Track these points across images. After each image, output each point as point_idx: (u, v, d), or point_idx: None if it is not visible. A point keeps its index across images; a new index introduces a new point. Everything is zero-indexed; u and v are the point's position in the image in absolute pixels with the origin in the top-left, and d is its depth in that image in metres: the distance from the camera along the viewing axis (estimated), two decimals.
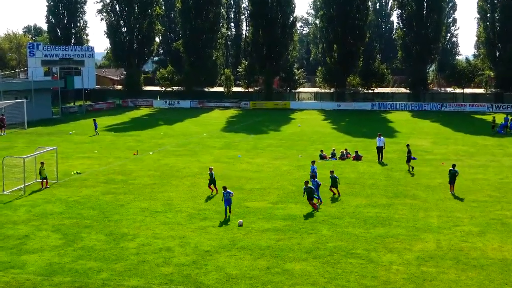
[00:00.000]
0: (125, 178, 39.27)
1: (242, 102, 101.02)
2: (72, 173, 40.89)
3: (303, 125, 72.57)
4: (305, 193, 30.91)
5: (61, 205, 31.75)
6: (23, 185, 34.89)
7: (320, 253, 23.90)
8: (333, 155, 46.83)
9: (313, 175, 35.17)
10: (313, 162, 37.63)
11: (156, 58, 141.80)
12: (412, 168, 41.64)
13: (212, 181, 34.65)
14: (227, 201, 29.38)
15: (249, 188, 36.05)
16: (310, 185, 31.13)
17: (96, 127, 64.02)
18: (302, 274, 21.69)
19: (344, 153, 47.06)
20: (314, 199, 31.33)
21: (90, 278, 21.28)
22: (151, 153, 50.05)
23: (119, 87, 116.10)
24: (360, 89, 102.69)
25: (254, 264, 22.73)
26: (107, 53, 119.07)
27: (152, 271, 21.96)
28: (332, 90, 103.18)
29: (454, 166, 34.62)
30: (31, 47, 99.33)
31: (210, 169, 35.02)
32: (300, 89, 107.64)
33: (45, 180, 36.02)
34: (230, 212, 29.43)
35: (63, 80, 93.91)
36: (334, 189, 33.90)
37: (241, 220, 28.13)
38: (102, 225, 28.09)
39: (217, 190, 34.32)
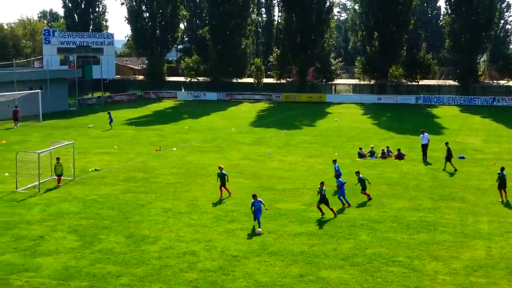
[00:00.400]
0: (146, 176, 39.57)
1: (274, 95, 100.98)
2: (90, 169, 41.34)
3: (340, 120, 72.32)
4: (318, 195, 30.20)
5: (78, 204, 32.12)
6: (37, 182, 35.36)
7: (358, 260, 23.82)
8: (372, 153, 46.60)
9: (337, 174, 34.84)
10: (335, 161, 37.30)
11: (180, 46, 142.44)
12: (455, 169, 41.31)
13: (223, 183, 33.70)
14: (258, 210, 27.81)
15: (281, 188, 36.06)
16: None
17: (111, 121, 64.41)
18: (338, 283, 21.64)
19: (385, 151, 46.80)
20: (341, 200, 31.78)
21: (108, 283, 21.51)
22: (174, 149, 50.35)
23: (141, 77, 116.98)
24: (403, 81, 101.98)
25: (286, 271, 22.74)
26: (128, 40, 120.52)
27: (176, 277, 22.11)
28: (372, 82, 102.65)
29: (502, 169, 33.91)
30: (46, 34, 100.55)
31: (221, 169, 34.13)
32: (337, 81, 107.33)
33: (60, 178, 36.44)
34: (259, 224, 27.72)
35: (81, 70, 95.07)
36: (364, 192, 33.60)
37: (259, 229, 27.56)
38: (121, 226, 28.35)
39: (229, 192, 34.05)
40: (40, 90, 72.03)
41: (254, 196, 28.25)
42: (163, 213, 30.58)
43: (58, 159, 36.53)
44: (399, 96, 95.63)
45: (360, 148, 47.53)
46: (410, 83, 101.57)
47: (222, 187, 33.76)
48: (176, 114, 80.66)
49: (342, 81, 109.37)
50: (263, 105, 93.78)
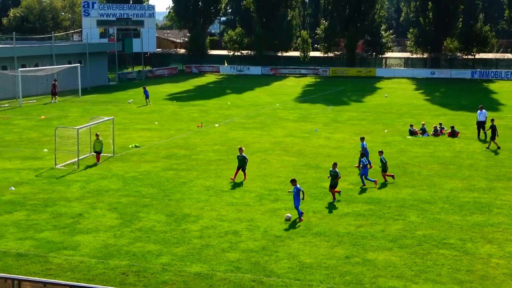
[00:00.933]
0: (188, 153, 39.91)
1: (321, 69, 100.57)
2: (130, 146, 41.86)
3: (390, 96, 71.72)
4: (330, 177, 29.38)
5: (118, 182, 32.61)
6: (76, 159, 35.96)
7: (408, 242, 23.74)
8: (423, 131, 46.17)
9: (363, 153, 33.98)
10: (363, 139, 36.94)
11: (223, 18, 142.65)
12: (498, 147, 40.99)
13: (242, 166, 32.65)
14: (294, 198, 26.70)
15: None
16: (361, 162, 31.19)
17: (147, 96, 64.81)
18: (385, 265, 21.63)
19: (438, 128, 46.33)
20: (368, 180, 31.82)
21: (148, 262, 21.86)
22: (217, 125, 50.63)
23: (182, 51, 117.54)
24: (459, 54, 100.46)
25: (331, 252, 22.81)
26: (169, 12, 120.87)
27: (217, 257, 22.35)
28: (425, 55, 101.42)
29: None
30: (85, 6, 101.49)
31: (241, 150, 32.94)
32: (388, 54, 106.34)
33: (99, 155, 36.87)
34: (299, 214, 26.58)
35: (121, 43, 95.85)
36: (385, 174, 32.74)
37: (289, 214, 26.81)
38: (162, 204, 28.72)
39: (245, 176, 32.97)
40: (79, 64, 72.97)
41: (292, 182, 27.21)
42: (205, 191, 30.85)
43: (97, 135, 36.94)
44: (454, 71, 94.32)
45: (411, 125, 47.12)
46: (466, 57, 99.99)
47: (240, 170, 32.67)
48: (219, 89, 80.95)
49: (393, 55, 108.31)
50: (309, 80, 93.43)
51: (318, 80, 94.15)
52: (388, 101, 67.25)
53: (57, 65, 72.38)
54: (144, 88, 66.39)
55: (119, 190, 31.05)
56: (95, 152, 37.00)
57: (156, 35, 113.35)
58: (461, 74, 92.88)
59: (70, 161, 36.60)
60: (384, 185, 31.96)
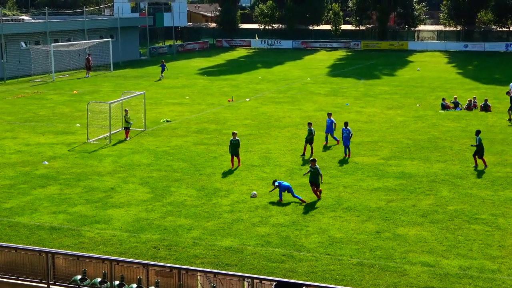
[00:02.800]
0: (218, 127, 40.00)
1: (352, 42, 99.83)
2: (161, 121, 42.07)
3: (422, 69, 71.04)
4: (309, 175, 26.37)
5: (149, 156, 32.84)
6: (108, 133, 36.26)
7: (439, 217, 23.65)
8: (456, 105, 45.72)
9: (346, 122, 33.37)
10: (330, 115, 35.64)
11: None
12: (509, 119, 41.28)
13: (235, 151, 30.63)
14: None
15: (358, 141, 35.90)
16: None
17: (163, 70, 64.97)
18: (416, 240, 21.59)
19: (472, 102, 45.84)
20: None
21: (180, 236, 22.06)
22: (247, 99, 50.63)
23: (213, 25, 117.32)
24: (493, 27, 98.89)
25: (362, 227, 22.81)
26: None
27: (247, 231, 22.48)
28: (458, 28, 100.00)
29: None
30: None
31: (234, 135, 31.06)
32: (421, 27, 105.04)
33: (128, 131, 37.01)
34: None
35: (152, 17, 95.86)
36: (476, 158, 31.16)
37: (255, 192, 26.54)
38: (193, 179, 28.89)
39: (239, 161, 31.07)
40: (110, 39, 73.26)
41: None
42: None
43: (126, 111, 37.08)
44: (488, 43, 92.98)
45: (443, 99, 46.66)
46: (500, 29, 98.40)
47: (234, 157, 30.77)
48: (250, 63, 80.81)
49: (426, 27, 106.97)
50: (340, 54, 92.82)
51: (349, 53, 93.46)
52: (420, 74, 66.61)
53: (89, 40, 72.76)
54: (162, 61, 66.65)
55: (151, 164, 31.28)
56: (124, 128, 37.02)
57: (187, 9, 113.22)
58: (495, 47, 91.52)
59: (102, 136, 36.92)
60: (411, 159, 31.76)
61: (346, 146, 32.64)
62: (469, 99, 46.69)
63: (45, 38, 68.97)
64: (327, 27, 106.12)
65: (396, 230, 22.50)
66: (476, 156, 30.45)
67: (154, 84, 59.87)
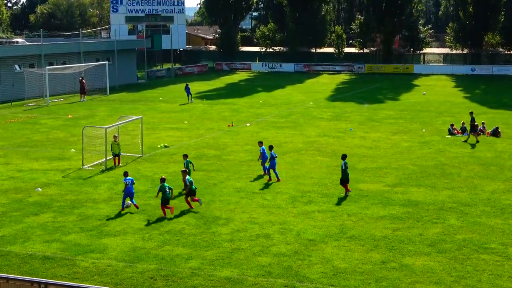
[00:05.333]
0: (218, 153, 39.96)
1: (356, 66, 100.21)
2: (159, 146, 42.05)
3: (428, 93, 71.18)
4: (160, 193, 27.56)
5: (146, 183, 32.76)
6: (104, 159, 36.20)
7: (447, 247, 23.52)
8: (463, 130, 45.72)
9: (271, 146, 34.05)
10: (261, 143, 35.00)
11: (255, 14, 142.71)
12: (477, 141, 42.45)
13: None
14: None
15: (362, 167, 35.86)
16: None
17: (189, 93, 65.19)
18: (423, 270, 21.45)
19: (480, 128, 45.83)
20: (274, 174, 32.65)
21: (177, 266, 21.92)
22: (248, 124, 50.66)
23: (213, 47, 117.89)
24: (501, 50, 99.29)
25: (367, 257, 22.68)
26: (200, 8, 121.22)
27: (248, 261, 22.34)
28: (465, 51, 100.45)
29: None
30: (114, 2, 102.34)
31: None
32: (426, 50, 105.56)
33: (117, 157, 36.59)
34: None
35: (150, 40, 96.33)
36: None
37: (129, 202, 27.98)
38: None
39: (165, 212, 28.31)
40: (107, 62, 73.53)
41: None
42: (236, 193, 30.87)
43: (115, 137, 36.64)
44: (496, 67, 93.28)
45: (452, 125, 46.67)
46: (508, 52, 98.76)
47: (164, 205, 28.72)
48: (250, 87, 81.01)
49: (431, 50, 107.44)
50: (344, 77, 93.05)
51: (353, 77, 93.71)
52: (426, 99, 66.72)
53: (85, 62, 72.99)
54: (187, 85, 66.85)
55: (148, 191, 31.19)
56: (113, 155, 36.42)
57: (186, 31, 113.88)
58: (503, 71, 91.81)
59: (98, 162, 36.87)
60: (417, 186, 31.71)
61: (266, 168, 33.52)
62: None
63: (40, 61, 69.27)
64: (330, 50, 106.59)
65: (403, 260, 22.36)
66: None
67: (151, 109, 59.95)
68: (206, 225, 26.17)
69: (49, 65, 67.98)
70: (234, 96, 70.04)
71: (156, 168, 35.78)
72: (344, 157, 30.82)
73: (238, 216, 27.38)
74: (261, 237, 24.75)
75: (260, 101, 65.56)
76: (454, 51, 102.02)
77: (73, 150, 40.83)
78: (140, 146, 39.45)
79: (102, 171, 35.24)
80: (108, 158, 36.35)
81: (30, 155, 39.51)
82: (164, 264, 22.04)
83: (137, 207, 28.13)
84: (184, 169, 30.04)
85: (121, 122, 39.59)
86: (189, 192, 28.41)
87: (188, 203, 28.33)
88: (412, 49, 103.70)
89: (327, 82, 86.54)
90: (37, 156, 39.21)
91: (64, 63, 72.51)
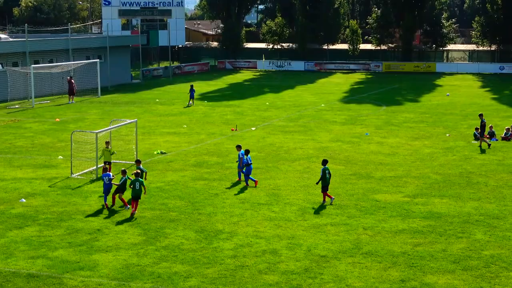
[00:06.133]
0: (220, 160, 39.98)
1: (372, 64, 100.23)
2: (155, 152, 42.11)
3: (452, 94, 71.16)
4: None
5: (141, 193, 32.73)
6: (95, 167, 36.23)
7: (473, 264, 23.49)
8: (491, 135, 45.68)
9: (247, 150, 34.97)
10: (239, 147, 35.57)
11: (261, 7, 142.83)
12: (489, 145, 42.68)
13: (119, 190, 30.68)
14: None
15: (380, 176, 35.86)
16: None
17: (192, 96, 64.77)
18: None
19: (509, 131, 45.81)
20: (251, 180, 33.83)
21: (175, 285, 21.93)
22: (253, 128, 50.72)
23: (215, 44, 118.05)
24: None
25: (384, 275, 22.66)
26: (201, 0, 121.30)
27: (253, 279, 22.34)
28: (493, 47, 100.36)
29: None
30: None
31: (138, 163, 32.56)
32: (450, 47, 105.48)
33: (108, 166, 36.38)
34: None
35: (145, 36, 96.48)
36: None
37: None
38: (191, 219, 28.81)
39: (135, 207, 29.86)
40: (98, 60, 73.62)
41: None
42: (239, 204, 30.89)
43: (107, 143, 36.40)
44: None
45: (477, 129, 46.60)
46: None
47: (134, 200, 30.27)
48: (256, 87, 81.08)
49: (456, 47, 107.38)
50: (359, 76, 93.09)
51: (369, 76, 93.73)
52: (449, 100, 66.71)
53: (73, 61, 73.05)
54: (192, 86, 65.86)
55: (143, 202, 31.17)
56: (104, 163, 35.35)
57: (186, 26, 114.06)
58: None
59: (88, 170, 36.93)
60: (440, 197, 31.66)
61: (243, 172, 34.42)
62: (506, 127, 46.66)
63: (24, 59, 69.33)
64: (344, 46, 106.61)
65: (424, 278, 22.34)
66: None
67: (147, 111, 60.05)
68: (207, 240, 26.18)
69: (34, 64, 68.07)
70: (238, 98, 70.12)
71: (152, 177, 35.75)
72: (324, 162, 31.43)
73: (242, 229, 27.38)
74: (268, 253, 24.74)
75: (267, 103, 65.62)
76: (480, 48, 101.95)
77: (60, 157, 40.90)
78: (135, 153, 39.48)
79: (93, 181, 35.30)
80: (99, 166, 36.37)
81: (14, 163, 39.58)
82: (160, 283, 22.05)
83: (107, 207, 29.98)
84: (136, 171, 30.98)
85: (113, 126, 39.64)
86: (120, 189, 30.41)
87: (114, 199, 30.49)
88: (434, 45, 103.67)
89: (341, 82, 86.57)
90: (21, 164, 39.27)
91: (51, 61, 72.59)
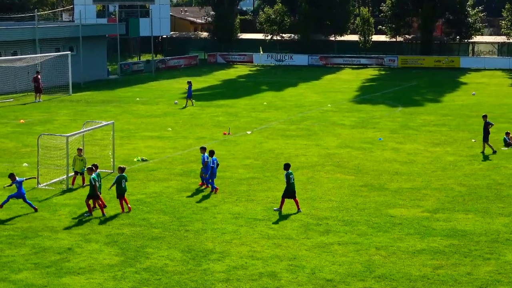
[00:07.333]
0: None
1: (386, 58, 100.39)
2: (135, 159, 42.14)
3: (479, 93, 71.29)
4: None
5: (119, 206, 32.73)
6: (65, 176, 36.21)
7: None
8: (508, 144, 45.76)
9: (212, 151, 36.25)
10: (203, 150, 36.25)
11: None
12: (494, 151, 43.34)
13: (120, 193, 32.20)
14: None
15: (395, 187, 35.90)
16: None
17: (190, 95, 64.74)
18: None
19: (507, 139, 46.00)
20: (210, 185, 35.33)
21: None
22: (249, 132, 50.77)
23: (205, 34, 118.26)
24: None
25: None
26: None
27: None
28: None
29: None
30: None
31: (122, 170, 32.68)
32: (477, 38, 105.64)
33: (82, 176, 36.22)
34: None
35: (124, 25, 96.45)
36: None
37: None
38: (176, 236, 28.82)
39: (128, 207, 32.19)
40: (69, 52, 73.63)
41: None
42: (233, 220, 30.91)
43: (80, 150, 36.45)
44: None
45: (507, 133, 46.76)
46: None
47: (121, 199, 32.29)
48: (252, 84, 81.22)
49: (483, 39, 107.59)
50: (371, 72, 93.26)
51: (383, 72, 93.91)
52: (476, 100, 66.84)
53: (41, 53, 73.05)
54: (189, 83, 65.57)
55: (120, 217, 31.23)
56: (74, 173, 36.14)
57: (171, 13, 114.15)
58: None
59: (57, 179, 36.93)
60: (465, 212, 31.69)
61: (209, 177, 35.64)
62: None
63: None
64: (354, 38, 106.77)
65: None
66: None
67: (126, 112, 60.11)
68: (195, 261, 26.18)
69: None
70: (231, 97, 70.23)
71: (132, 188, 35.62)
72: (287, 167, 32.43)
73: (235, 249, 27.39)
74: (265, 276, 24.75)
75: (265, 103, 65.71)
76: (511, 40, 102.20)
77: (25, 164, 40.93)
78: (111, 160, 39.48)
79: (63, 192, 35.30)
80: (70, 175, 36.37)
81: None
82: None
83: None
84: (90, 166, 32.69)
85: (87, 129, 39.64)
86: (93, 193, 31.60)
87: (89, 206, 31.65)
88: (458, 37, 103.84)
89: (350, 78, 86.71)
90: None
91: (14, 54, 72.57)
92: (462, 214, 31.61)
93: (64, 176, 36.33)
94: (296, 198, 32.04)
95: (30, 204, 31.81)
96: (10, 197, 31.91)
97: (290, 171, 32.11)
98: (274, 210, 31.90)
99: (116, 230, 29.50)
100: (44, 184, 36.32)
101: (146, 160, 42.09)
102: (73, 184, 36.32)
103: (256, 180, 37.33)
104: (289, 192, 31.90)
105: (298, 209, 31.86)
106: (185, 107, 63.52)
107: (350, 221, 30.37)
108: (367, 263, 25.89)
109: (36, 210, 31.74)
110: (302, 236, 28.78)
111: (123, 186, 31.56)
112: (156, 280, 24.36)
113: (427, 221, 30.69)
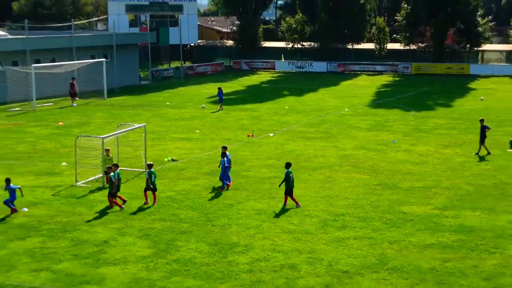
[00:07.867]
0: (235, 168, 40.08)
1: (401, 65, 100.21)
2: (166, 159, 42.46)
3: (487, 99, 71.05)
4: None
5: (150, 203, 33.08)
6: (101, 174, 36.54)
7: (506, 282, 23.62)
8: None
9: (224, 152, 36.29)
10: (225, 148, 36.94)
11: (280, 2, 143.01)
12: (488, 153, 43.27)
13: (149, 186, 33.19)
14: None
15: (407, 186, 36.05)
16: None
17: (221, 99, 64.61)
18: None
19: None
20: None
21: None
22: (271, 134, 50.96)
23: (230, 42, 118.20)
24: None
25: None
26: None
27: None
28: None
29: None
30: None
31: (150, 166, 33.50)
32: (486, 47, 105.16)
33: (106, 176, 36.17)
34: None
35: (155, 33, 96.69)
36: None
37: None
38: (204, 231, 29.13)
39: (147, 199, 33.37)
40: (104, 59, 73.80)
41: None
42: (256, 216, 31.18)
43: (107, 150, 36.72)
44: None
45: None
46: None
47: (148, 191, 33.35)
48: (274, 90, 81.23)
49: (492, 47, 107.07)
50: (386, 79, 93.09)
51: (397, 79, 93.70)
52: (484, 105, 66.64)
53: (77, 60, 73.29)
54: (220, 89, 65.84)
55: (152, 213, 31.56)
56: (104, 173, 36.05)
57: (198, 23, 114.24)
58: None
59: (94, 177, 37.35)
60: (472, 209, 31.83)
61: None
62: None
63: (25, 58, 69.63)
64: (370, 46, 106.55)
65: None
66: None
67: (156, 115, 60.42)
68: (221, 253, 26.47)
69: (35, 63, 68.40)
70: (255, 101, 70.37)
71: (163, 186, 35.95)
72: (288, 165, 32.88)
73: (258, 243, 27.67)
74: (286, 267, 25.01)
75: (286, 107, 65.83)
76: None
77: (64, 163, 41.33)
78: (143, 160, 39.84)
79: (98, 189, 35.73)
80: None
81: (15, 169, 40.00)
82: None
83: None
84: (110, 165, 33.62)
85: (121, 131, 39.87)
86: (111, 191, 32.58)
87: (111, 202, 32.56)
88: (468, 45, 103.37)
89: (366, 84, 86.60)
90: (23, 171, 39.71)
91: (53, 61, 72.68)
92: (470, 211, 31.73)
93: (100, 175, 36.71)
94: (293, 196, 32.55)
95: (9, 206, 31.48)
96: (5, 202, 31.57)
97: (290, 170, 32.50)
98: (284, 207, 32.42)
99: (148, 225, 29.86)
100: (82, 182, 36.68)
101: (175, 160, 42.40)
102: (107, 182, 36.71)
103: (277, 179, 37.44)
104: (287, 189, 32.33)
105: (284, 204, 32.46)
106: (218, 110, 63.82)
107: (365, 217, 30.63)
108: (381, 256, 26.11)
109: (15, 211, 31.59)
110: (320, 231, 29.03)
111: (153, 180, 32.83)
112: (185, 271, 24.65)
113: (436, 217, 30.86)
